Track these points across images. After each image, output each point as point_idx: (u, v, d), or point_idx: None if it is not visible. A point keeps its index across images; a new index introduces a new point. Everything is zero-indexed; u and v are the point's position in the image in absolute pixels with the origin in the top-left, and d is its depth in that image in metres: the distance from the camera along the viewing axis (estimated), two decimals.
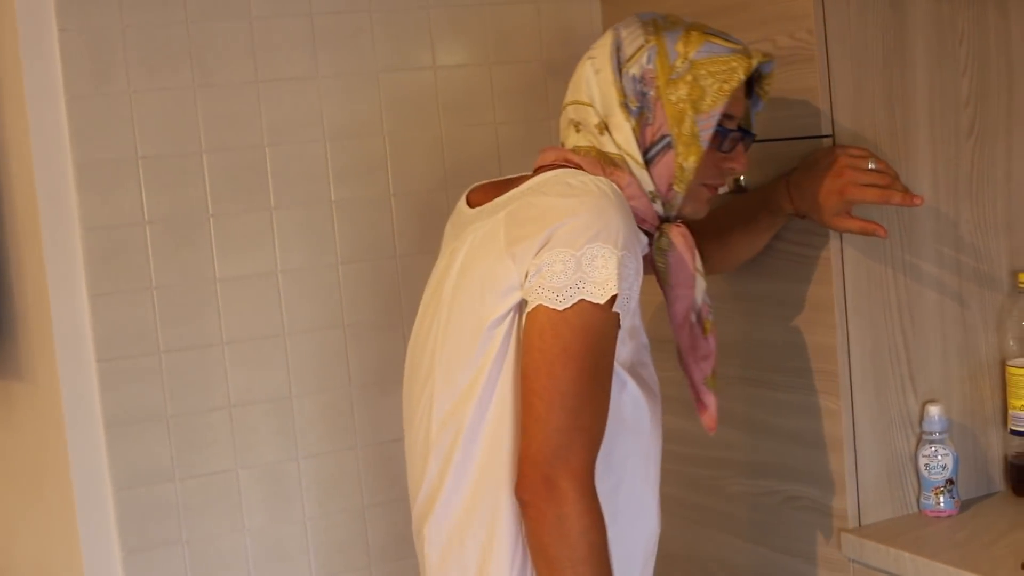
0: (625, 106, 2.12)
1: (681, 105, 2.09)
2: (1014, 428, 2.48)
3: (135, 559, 2.63)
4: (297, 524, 2.76)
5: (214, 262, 2.68)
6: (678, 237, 2.15)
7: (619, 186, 2.09)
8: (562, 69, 2.58)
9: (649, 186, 2.12)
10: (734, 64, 2.09)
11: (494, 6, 2.84)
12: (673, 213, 2.17)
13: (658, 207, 2.15)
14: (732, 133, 2.16)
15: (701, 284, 2.16)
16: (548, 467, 1.90)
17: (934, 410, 2.43)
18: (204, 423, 2.68)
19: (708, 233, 2.53)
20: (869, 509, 2.43)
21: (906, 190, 2.27)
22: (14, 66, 2.59)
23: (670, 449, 2.89)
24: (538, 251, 1.95)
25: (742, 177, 2.52)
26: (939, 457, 2.41)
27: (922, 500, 2.45)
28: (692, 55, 2.10)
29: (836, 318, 2.39)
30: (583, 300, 1.92)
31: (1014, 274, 2.51)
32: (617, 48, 2.15)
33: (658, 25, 2.15)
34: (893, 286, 2.43)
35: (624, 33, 2.16)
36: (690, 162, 2.10)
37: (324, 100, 2.76)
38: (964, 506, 2.46)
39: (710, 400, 2.19)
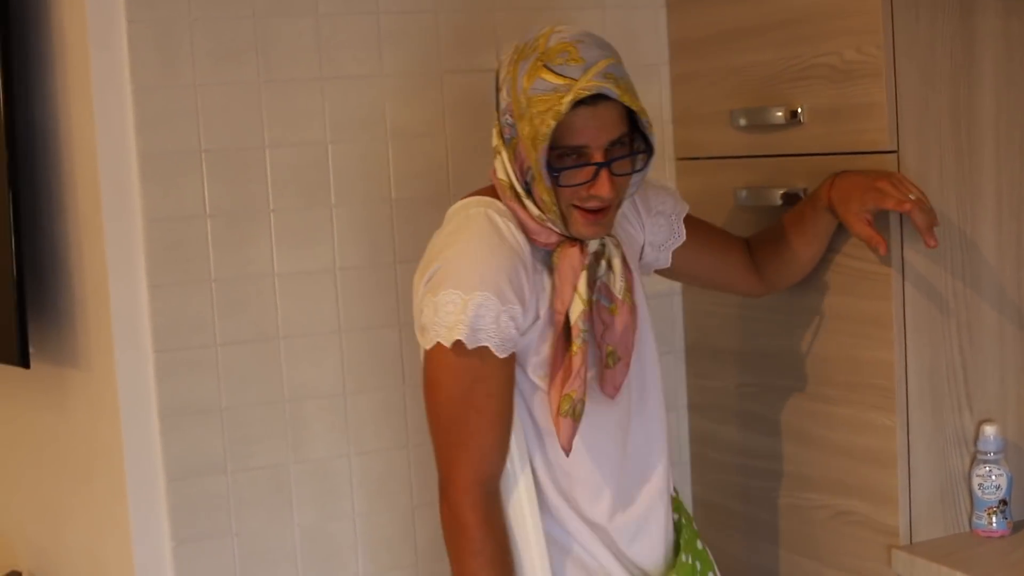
0: (502, 135, 2.17)
1: (527, 142, 2.09)
2: None
3: (185, 550, 2.65)
4: (346, 520, 2.77)
5: (273, 257, 2.69)
6: (563, 258, 2.17)
7: (514, 211, 2.18)
8: None
9: (534, 210, 2.16)
10: (548, 107, 2.05)
11: (560, 11, 2.84)
12: (568, 232, 2.17)
13: (553, 226, 2.17)
14: (566, 171, 2.10)
15: (577, 306, 2.15)
16: (441, 477, 2.19)
17: (990, 430, 2.42)
18: (258, 417, 2.69)
19: (764, 244, 2.54)
20: (921, 527, 2.42)
21: (927, 223, 2.25)
22: (82, 55, 2.61)
23: (719, 459, 2.90)
24: (422, 291, 2.16)
25: (804, 188, 2.52)
26: (993, 477, 2.40)
27: (974, 520, 2.44)
28: (528, 91, 2.08)
29: (894, 334, 2.38)
30: (438, 342, 2.12)
31: None
32: (496, 76, 2.19)
33: (521, 53, 2.13)
34: (952, 303, 2.42)
35: (503, 60, 2.18)
36: (545, 196, 2.12)
37: (387, 99, 2.77)
38: (1016, 527, 2.45)
39: (562, 425, 2.16)
